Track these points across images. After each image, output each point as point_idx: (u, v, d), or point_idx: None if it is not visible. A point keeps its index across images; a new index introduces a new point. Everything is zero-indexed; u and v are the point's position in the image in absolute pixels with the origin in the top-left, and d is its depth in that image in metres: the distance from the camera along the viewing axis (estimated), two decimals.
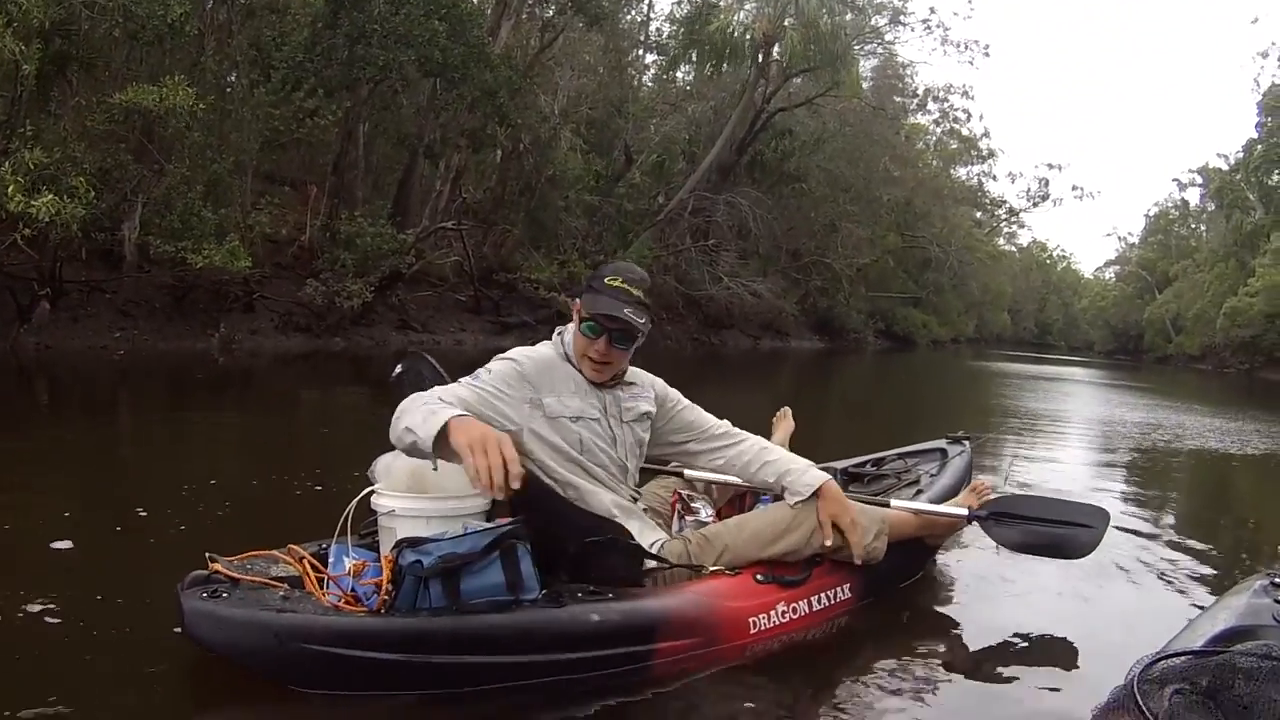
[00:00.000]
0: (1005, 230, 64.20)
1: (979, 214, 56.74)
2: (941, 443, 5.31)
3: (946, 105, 49.17)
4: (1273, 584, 2.78)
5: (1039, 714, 2.90)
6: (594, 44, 25.38)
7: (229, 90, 13.91)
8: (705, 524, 3.59)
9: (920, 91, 47.10)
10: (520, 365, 3.18)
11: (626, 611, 2.92)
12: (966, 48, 40.33)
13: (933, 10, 48.74)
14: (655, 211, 25.08)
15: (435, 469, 2.81)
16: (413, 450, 2.82)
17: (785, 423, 4.91)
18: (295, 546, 2.89)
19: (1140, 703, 1.83)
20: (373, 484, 2.97)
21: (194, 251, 11.30)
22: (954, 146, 52.04)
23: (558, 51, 21.89)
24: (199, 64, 13.21)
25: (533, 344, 3.37)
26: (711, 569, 3.26)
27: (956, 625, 3.76)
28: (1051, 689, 3.14)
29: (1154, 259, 64.70)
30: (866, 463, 5.11)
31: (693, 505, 3.71)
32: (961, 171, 53.59)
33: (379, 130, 18.01)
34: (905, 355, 40.28)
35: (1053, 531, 3.93)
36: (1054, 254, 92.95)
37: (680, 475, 3.90)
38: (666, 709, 2.83)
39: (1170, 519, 6.34)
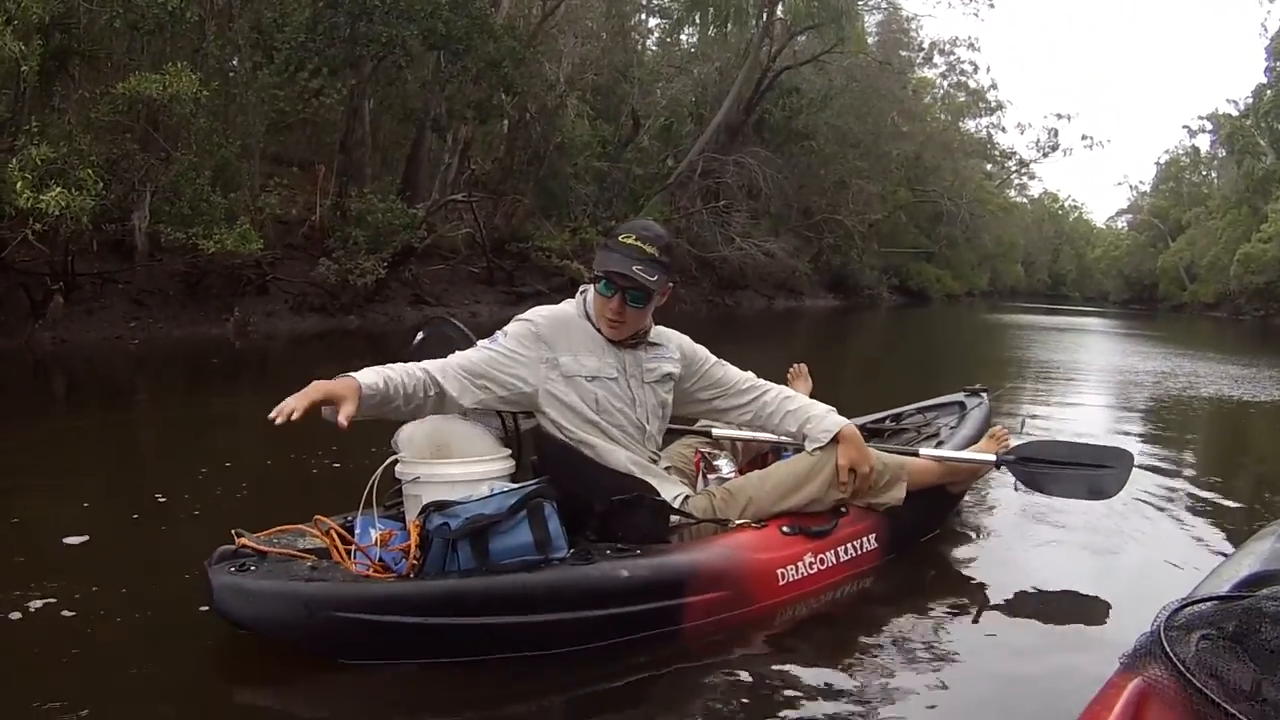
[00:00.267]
0: (1016, 182, 63.75)
1: (989, 166, 56.31)
2: (960, 395, 5.30)
3: (953, 58, 48.78)
4: None
5: (1067, 664, 2.89)
6: (596, 10, 25.25)
7: (232, 75, 13.86)
8: (727, 479, 3.61)
9: (926, 45, 46.80)
10: (535, 325, 3.18)
11: (656, 567, 2.93)
12: None
13: None
14: (665, 175, 24.97)
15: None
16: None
17: (803, 383, 4.91)
18: (322, 518, 2.89)
19: (1167, 649, 1.82)
20: (395, 454, 2.97)
21: (205, 237, 11.27)
22: (962, 99, 51.57)
23: (560, 19, 21.73)
24: (200, 50, 13.14)
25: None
26: (737, 522, 3.28)
27: (981, 578, 3.77)
28: (1078, 638, 3.15)
29: (1166, 207, 64.16)
30: (886, 418, 5.13)
31: (715, 463, 3.72)
32: (970, 124, 53.17)
33: (385, 106, 17.93)
34: (920, 310, 40.08)
35: (1079, 474, 3.95)
36: (1066, 204, 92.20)
37: (708, 435, 3.89)
38: (697, 667, 2.84)
39: (1189, 466, 6.33)
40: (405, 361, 3.02)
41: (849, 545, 3.46)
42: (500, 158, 20.53)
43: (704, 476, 3.68)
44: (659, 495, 3.17)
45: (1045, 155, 55.34)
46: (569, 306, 3.33)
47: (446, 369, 2.98)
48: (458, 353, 3.09)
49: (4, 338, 9.64)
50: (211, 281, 12.72)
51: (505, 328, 3.20)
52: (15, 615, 2.89)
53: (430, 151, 19.08)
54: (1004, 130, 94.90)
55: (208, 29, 13.16)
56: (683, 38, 33.01)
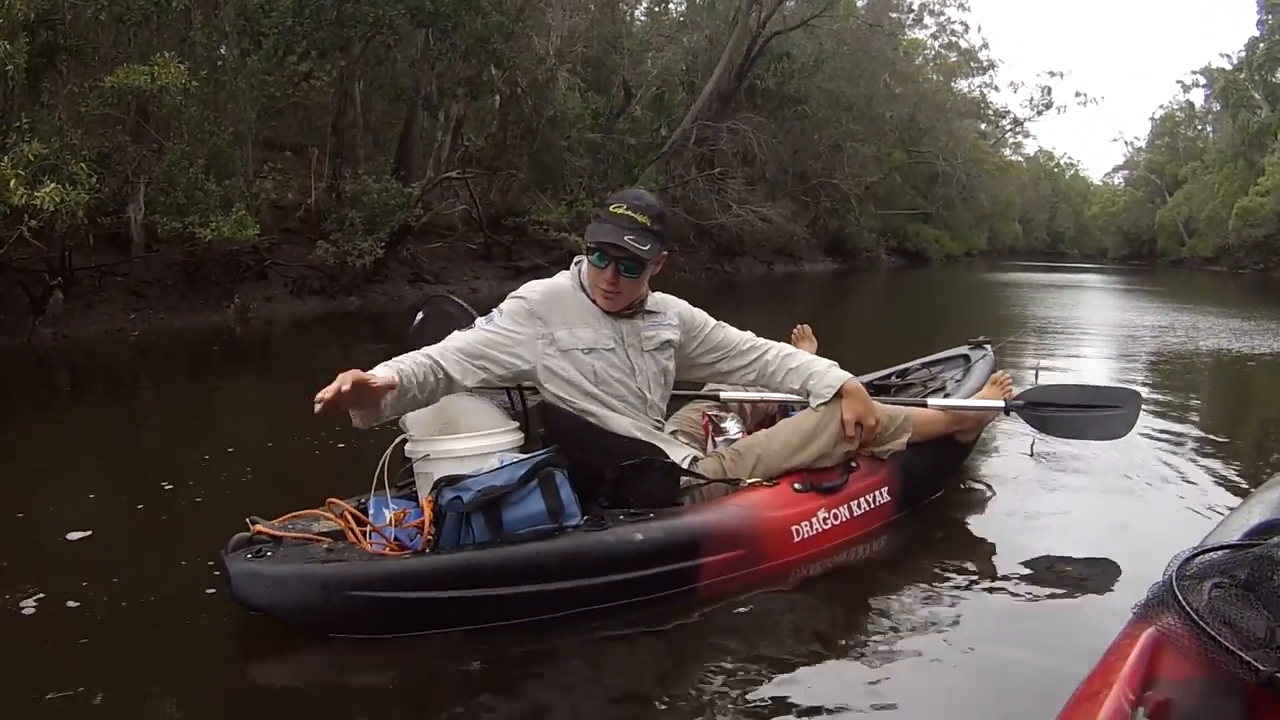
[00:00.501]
0: (1011, 141, 63.38)
1: (983, 126, 56.05)
2: (964, 349, 5.31)
3: (943, 19, 48.55)
4: None
5: (1080, 614, 2.92)
6: None
7: (221, 62, 13.77)
8: (735, 440, 3.62)
9: (915, 6, 46.53)
10: (529, 302, 3.18)
11: (670, 529, 2.95)
12: None
13: None
14: (659, 144, 24.85)
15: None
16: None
17: (807, 343, 4.91)
18: (335, 501, 2.90)
19: (1180, 598, 1.84)
20: (403, 434, 2.98)
21: (201, 225, 11.21)
22: (953, 60, 51.31)
23: None
24: (188, 39, 13.06)
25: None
26: (748, 481, 3.29)
27: (992, 531, 3.80)
28: (1090, 588, 3.18)
29: (1162, 162, 63.97)
30: (891, 374, 5.16)
31: (722, 425, 3.74)
32: (963, 84, 52.89)
33: (375, 87, 17.85)
34: (919, 271, 40.07)
35: (1088, 415, 3.98)
36: (1061, 162, 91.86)
37: (715, 398, 3.89)
38: (714, 627, 2.86)
39: (1195, 417, 6.33)
40: (411, 342, 3.02)
41: (861, 499, 3.49)
42: (493, 134, 20.42)
43: (712, 440, 3.69)
44: (668, 458, 3.18)
45: (1039, 113, 55.15)
46: (563, 279, 3.33)
47: (445, 352, 2.97)
48: (455, 334, 3.09)
49: (5, 336, 9.61)
50: (210, 269, 12.68)
51: (500, 306, 3.20)
52: (28, 609, 2.90)
53: (422, 130, 19.00)
54: (997, 89, 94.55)
55: (194, 17, 13.05)
56: (671, 6, 32.87)
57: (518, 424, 3.05)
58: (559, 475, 2.81)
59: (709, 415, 3.79)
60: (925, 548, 3.53)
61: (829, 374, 3.48)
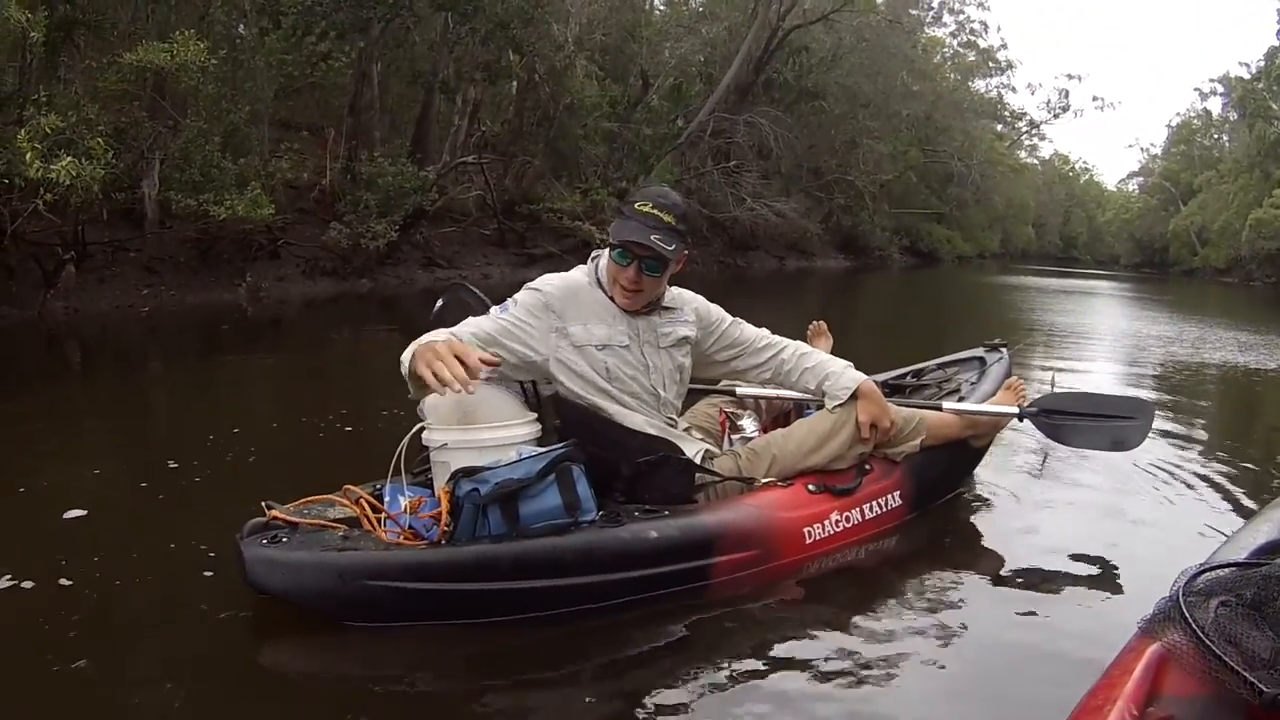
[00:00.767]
0: (1027, 143, 63.44)
1: (1000, 127, 56.05)
2: (979, 351, 5.31)
3: (962, 17, 48.54)
4: None
5: (1084, 626, 2.91)
6: None
7: (239, 41, 13.79)
8: (751, 439, 3.63)
9: (935, 4, 46.48)
10: (545, 295, 3.17)
11: (684, 527, 2.95)
12: None
13: None
14: (675, 135, 24.78)
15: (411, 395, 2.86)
16: (411, 383, 2.86)
17: (823, 340, 4.92)
18: (351, 487, 2.90)
19: (1186, 615, 1.84)
20: (422, 421, 2.98)
21: (216, 203, 11.25)
22: (971, 59, 51.28)
23: None
24: (206, 17, 13.09)
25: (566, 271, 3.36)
26: (763, 481, 3.30)
27: (1000, 539, 3.79)
28: (1096, 601, 3.17)
29: (1177, 170, 63.72)
30: (907, 374, 5.16)
31: (739, 423, 3.75)
32: (980, 84, 52.91)
33: (393, 69, 17.82)
34: (931, 272, 39.99)
35: (1101, 425, 3.98)
36: (1076, 166, 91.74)
37: (731, 393, 3.91)
38: (725, 625, 2.87)
39: (1203, 431, 6.31)
40: (429, 329, 3.02)
41: (874, 503, 3.50)
42: (509, 119, 20.39)
43: (728, 437, 3.71)
44: (684, 454, 3.18)
45: (1056, 116, 55.32)
46: (580, 274, 3.31)
47: (461, 335, 2.97)
48: (470, 319, 3.09)
49: (17, 308, 9.63)
50: (223, 247, 12.70)
51: (516, 296, 3.19)
52: (27, 584, 2.90)
53: (439, 114, 18.98)
54: (1014, 90, 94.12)
55: None
56: None
57: (536, 415, 3.05)
58: (576, 470, 2.81)
59: (726, 412, 3.80)
60: (933, 554, 3.53)
61: (845, 375, 3.49)
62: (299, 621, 2.69)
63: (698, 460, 3.24)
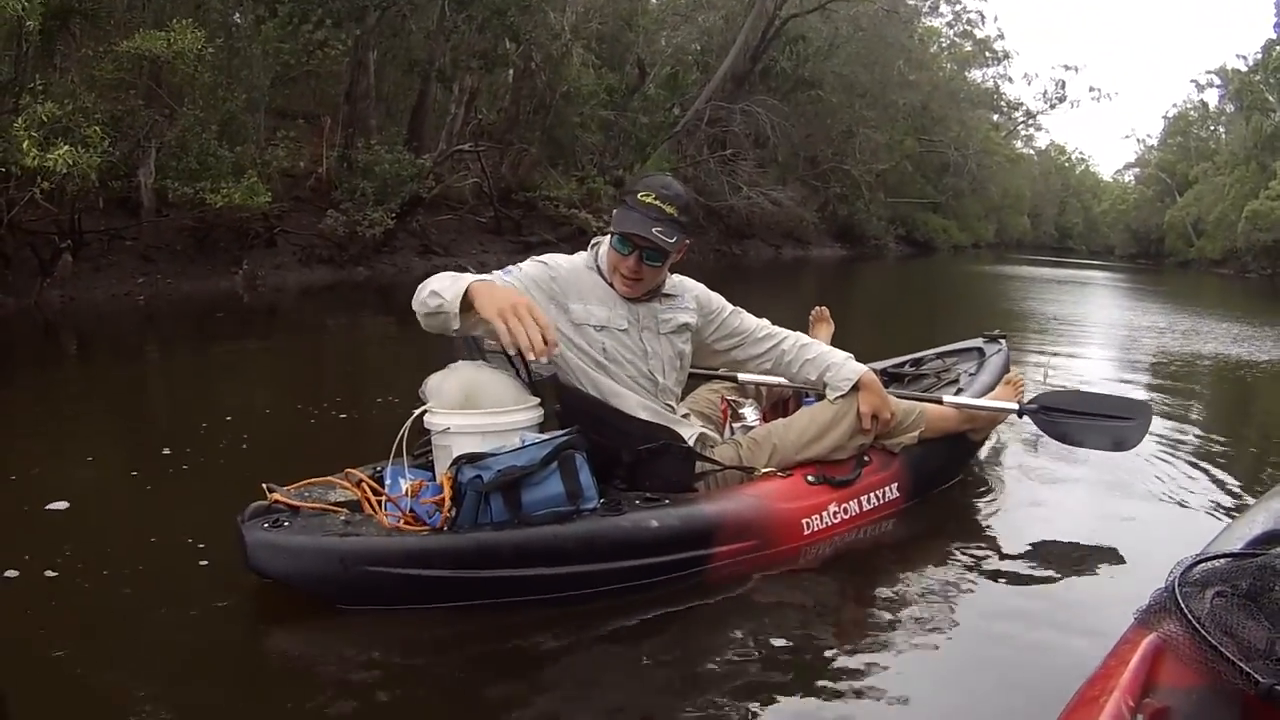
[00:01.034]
0: (1023, 133, 63.38)
1: (996, 117, 55.95)
2: (978, 341, 5.33)
3: (959, 7, 48.46)
4: None
5: (1080, 617, 2.91)
6: None
7: (235, 29, 13.75)
8: (752, 427, 3.65)
9: None
10: (550, 268, 3.19)
11: (685, 516, 2.97)
12: None
13: None
14: (671, 124, 24.77)
15: (455, 330, 2.84)
16: (436, 316, 2.85)
17: (825, 325, 4.94)
18: (352, 470, 2.91)
19: (1182, 605, 1.84)
20: (424, 404, 2.97)
21: (213, 191, 11.23)
22: (968, 49, 51.19)
23: None
24: (202, 5, 13.06)
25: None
26: (763, 471, 3.32)
27: (997, 530, 3.80)
28: (1092, 591, 3.17)
29: (1173, 161, 63.53)
30: (905, 363, 5.17)
31: (740, 411, 3.78)
32: (977, 74, 52.81)
33: (389, 57, 17.76)
34: (926, 261, 39.94)
35: (1101, 425, 4.01)
36: (1072, 157, 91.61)
37: (733, 379, 3.92)
38: (723, 614, 2.88)
39: (1199, 423, 6.31)
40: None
41: (871, 495, 3.53)
42: (506, 107, 20.37)
43: (729, 426, 3.72)
44: (685, 442, 3.20)
45: (1052, 107, 55.15)
46: (581, 258, 3.32)
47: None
48: (469, 275, 3.02)
49: (14, 297, 9.62)
50: (219, 236, 12.68)
51: (520, 264, 3.20)
52: (11, 573, 2.88)
53: (435, 102, 18.95)
54: (1011, 81, 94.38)
55: None
56: None
57: (539, 400, 3.06)
58: (579, 458, 2.81)
59: (728, 400, 3.82)
60: (929, 545, 3.54)
61: (846, 366, 3.51)
62: (296, 608, 2.70)
63: (694, 443, 3.25)
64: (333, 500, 2.85)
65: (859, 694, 2.47)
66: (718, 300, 3.55)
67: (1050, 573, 3.34)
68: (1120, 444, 4.07)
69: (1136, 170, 78.26)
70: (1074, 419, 4.03)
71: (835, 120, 34.10)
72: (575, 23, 20.79)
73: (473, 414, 2.89)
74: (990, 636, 2.86)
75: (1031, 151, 69.46)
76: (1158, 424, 5.50)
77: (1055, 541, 3.65)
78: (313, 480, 2.92)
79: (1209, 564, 2.03)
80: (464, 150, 17.39)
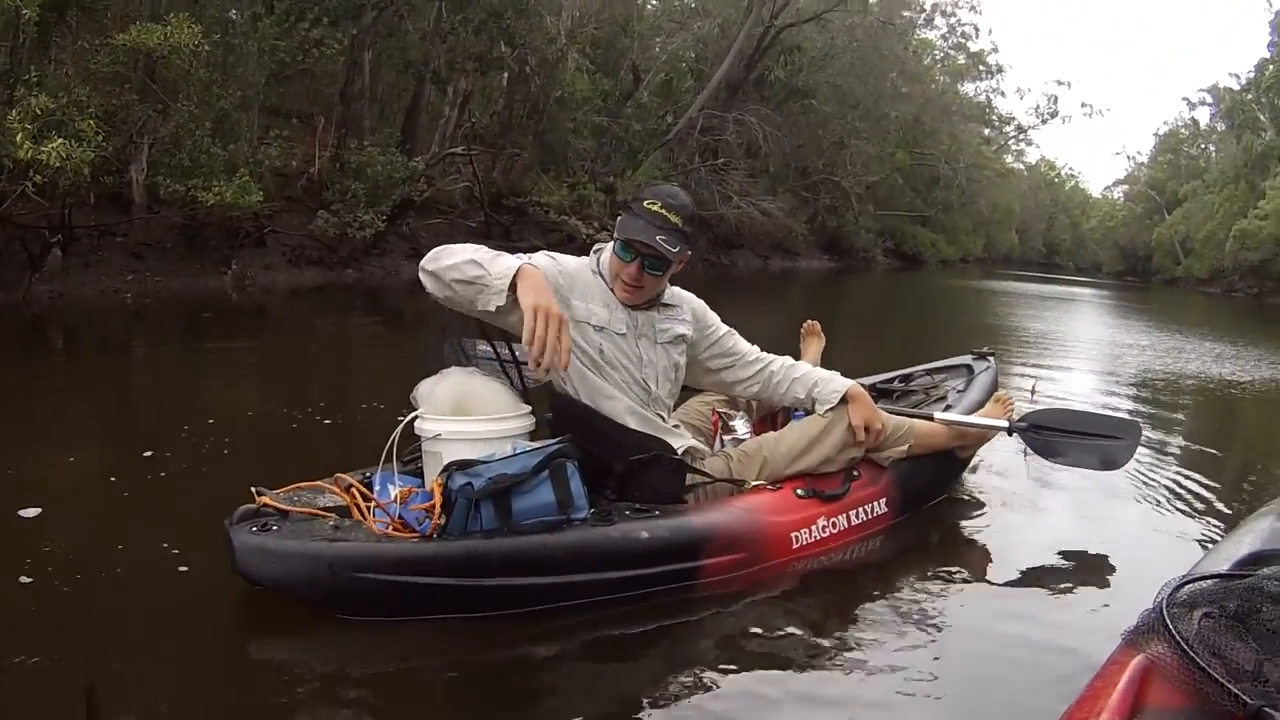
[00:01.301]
0: (1014, 148, 63.56)
1: (987, 131, 56.11)
2: (967, 358, 5.35)
3: (954, 20, 48.66)
4: None
5: (1068, 637, 2.90)
6: None
7: (231, 26, 13.74)
8: (743, 440, 3.66)
9: (928, 6, 46.57)
10: (558, 263, 3.19)
11: (674, 528, 2.97)
12: None
13: None
14: (664, 131, 24.80)
15: (495, 310, 2.82)
16: (470, 286, 2.81)
17: (816, 339, 4.95)
18: (343, 475, 2.90)
19: (1170, 626, 1.85)
20: (414, 410, 2.97)
21: (204, 189, 11.22)
22: (962, 62, 51.38)
23: None
24: (199, 1, 13.04)
25: None
26: (753, 484, 3.33)
27: (985, 549, 3.82)
28: (1079, 612, 3.18)
29: (1163, 179, 63.68)
30: (894, 379, 5.19)
31: (731, 423, 3.79)
32: (969, 88, 52.97)
33: (384, 58, 17.73)
34: (914, 274, 39.97)
35: (1090, 444, 4.03)
36: (1062, 172, 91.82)
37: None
38: (711, 626, 2.88)
39: (1185, 442, 6.32)
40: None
41: (860, 509, 3.54)
42: (499, 111, 20.37)
43: (720, 438, 3.74)
44: (676, 454, 3.20)
45: (1044, 122, 55.27)
46: (585, 261, 3.33)
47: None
48: (482, 249, 2.99)
49: (2, 291, 9.60)
50: (209, 234, 12.66)
51: (530, 255, 3.16)
52: None
53: (429, 104, 18.94)
54: (1003, 95, 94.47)
55: None
56: None
57: (530, 408, 3.06)
58: (570, 467, 2.81)
59: (719, 412, 3.83)
60: (917, 563, 3.54)
61: (833, 381, 3.55)
62: (279, 616, 2.70)
63: (682, 455, 3.26)
64: (322, 505, 2.83)
65: (843, 713, 2.47)
66: (714, 317, 3.57)
67: (1037, 593, 3.34)
68: (1109, 463, 4.09)
69: (1125, 187, 78.44)
70: (1063, 437, 4.05)
71: (827, 131, 34.13)
72: (571, 27, 20.82)
73: (464, 420, 2.89)
74: (976, 657, 2.86)
75: (1021, 166, 69.71)
76: (1145, 444, 5.53)
77: (1042, 561, 3.65)
78: (301, 485, 2.91)
79: (1196, 585, 2.03)
80: (456, 153, 17.40)
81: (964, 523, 4.11)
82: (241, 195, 11.55)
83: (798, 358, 3.99)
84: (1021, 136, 59.70)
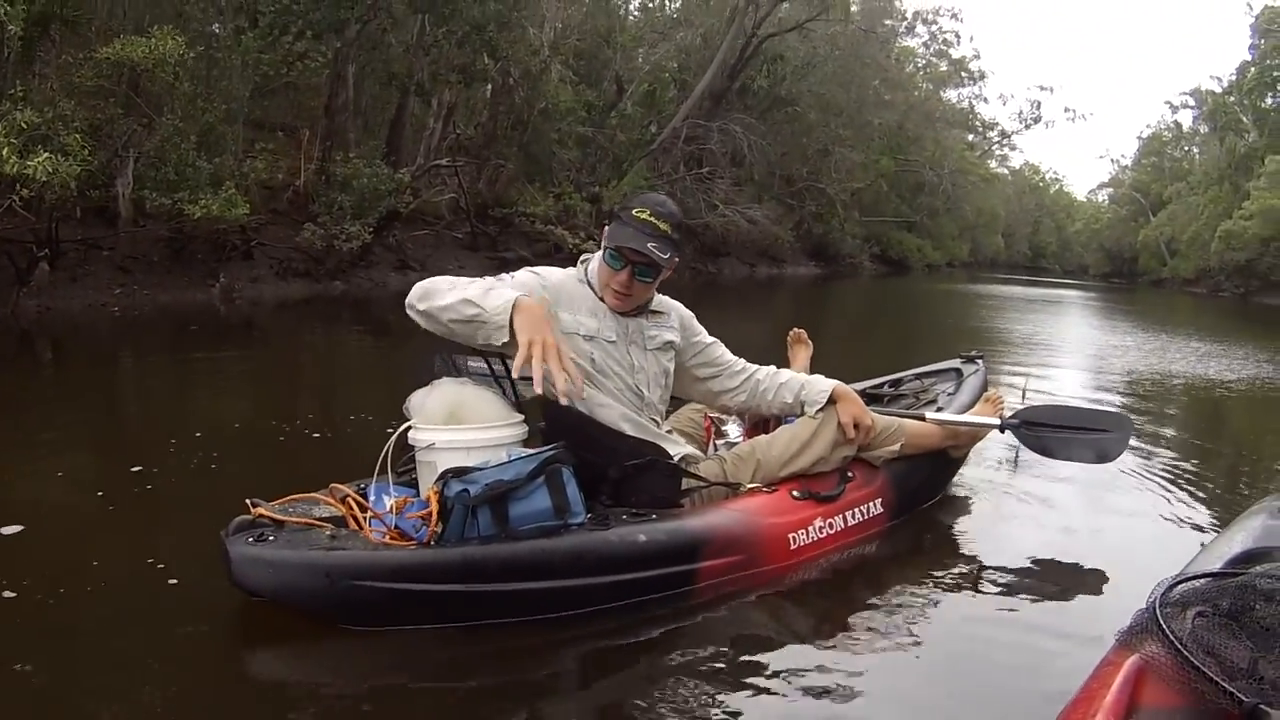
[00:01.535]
0: (998, 153, 63.79)
1: (971, 137, 56.32)
2: (956, 362, 5.38)
3: (935, 28, 48.83)
4: None
5: (1062, 637, 2.92)
6: None
7: (215, 40, 13.72)
8: (735, 444, 3.67)
9: (909, 14, 46.74)
10: (541, 277, 3.20)
11: (672, 531, 2.98)
12: None
13: None
14: (648, 141, 24.87)
15: (501, 345, 2.84)
16: (469, 325, 2.84)
17: (803, 348, 4.96)
18: (338, 486, 2.89)
19: (1164, 626, 1.85)
20: (407, 421, 2.96)
21: (191, 202, 11.22)
22: (944, 69, 51.57)
23: None
24: (182, 14, 13.04)
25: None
26: (749, 486, 3.34)
27: (978, 550, 3.82)
28: (1074, 614, 3.18)
29: (1147, 181, 64.02)
30: (884, 384, 5.22)
31: (724, 428, 3.80)
32: (952, 94, 53.19)
33: (368, 70, 17.75)
34: (901, 280, 40.09)
35: (1082, 438, 4.05)
36: (1046, 176, 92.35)
37: None
38: (710, 630, 2.88)
39: (1176, 442, 6.34)
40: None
41: (856, 510, 3.55)
42: (484, 123, 20.38)
43: (713, 443, 3.74)
44: (671, 458, 3.21)
45: (1027, 127, 55.52)
46: (572, 271, 3.35)
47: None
48: (467, 281, 3.02)
49: None
50: (196, 247, 12.63)
51: (513, 273, 3.21)
52: None
53: (413, 116, 18.95)
54: (986, 101, 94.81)
55: None
56: (665, 3, 32.89)
57: (523, 416, 3.06)
58: (566, 472, 2.82)
59: (711, 417, 3.84)
60: (912, 565, 3.55)
61: (820, 382, 3.58)
62: (270, 627, 2.69)
63: (678, 460, 3.27)
64: (317, 516, 2.83)
65: (837, 714, 2.47)
66: (700, 326, 3.59)
67: (1030, 595, 3.35)
68: (1102, 456, 4.11)
69: (1110, 190, 78.84)
70: (1055, 433, 4.07)
71: (811, 139, 34.25)
72: (554, 39, 20.84)
73: (458, 429, 2.89)
74: (971, 659, 2.87)
75: (1006, 171, 70.01)
76: (1134, 443, 5.54)
77: (1035, 563, 3.66)
78: (297, 496, 2.91)
79: (1189, 584, 2.04)
80: (441, 165, 17.41)
81: (957, 525, 4.13)
82: (228, 208, 11.54)
83: (785, 367, 4.00)
84: (1005, 141, 60.02)
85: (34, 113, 9.10)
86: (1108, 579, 3.52)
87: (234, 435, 5.38)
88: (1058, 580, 3.51)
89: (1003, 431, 4.10)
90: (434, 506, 2.72)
